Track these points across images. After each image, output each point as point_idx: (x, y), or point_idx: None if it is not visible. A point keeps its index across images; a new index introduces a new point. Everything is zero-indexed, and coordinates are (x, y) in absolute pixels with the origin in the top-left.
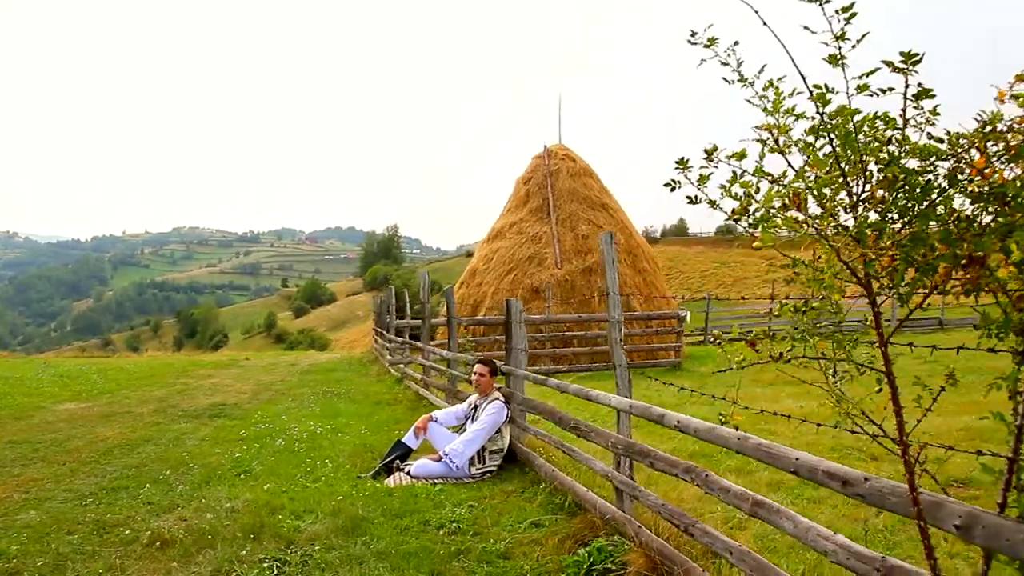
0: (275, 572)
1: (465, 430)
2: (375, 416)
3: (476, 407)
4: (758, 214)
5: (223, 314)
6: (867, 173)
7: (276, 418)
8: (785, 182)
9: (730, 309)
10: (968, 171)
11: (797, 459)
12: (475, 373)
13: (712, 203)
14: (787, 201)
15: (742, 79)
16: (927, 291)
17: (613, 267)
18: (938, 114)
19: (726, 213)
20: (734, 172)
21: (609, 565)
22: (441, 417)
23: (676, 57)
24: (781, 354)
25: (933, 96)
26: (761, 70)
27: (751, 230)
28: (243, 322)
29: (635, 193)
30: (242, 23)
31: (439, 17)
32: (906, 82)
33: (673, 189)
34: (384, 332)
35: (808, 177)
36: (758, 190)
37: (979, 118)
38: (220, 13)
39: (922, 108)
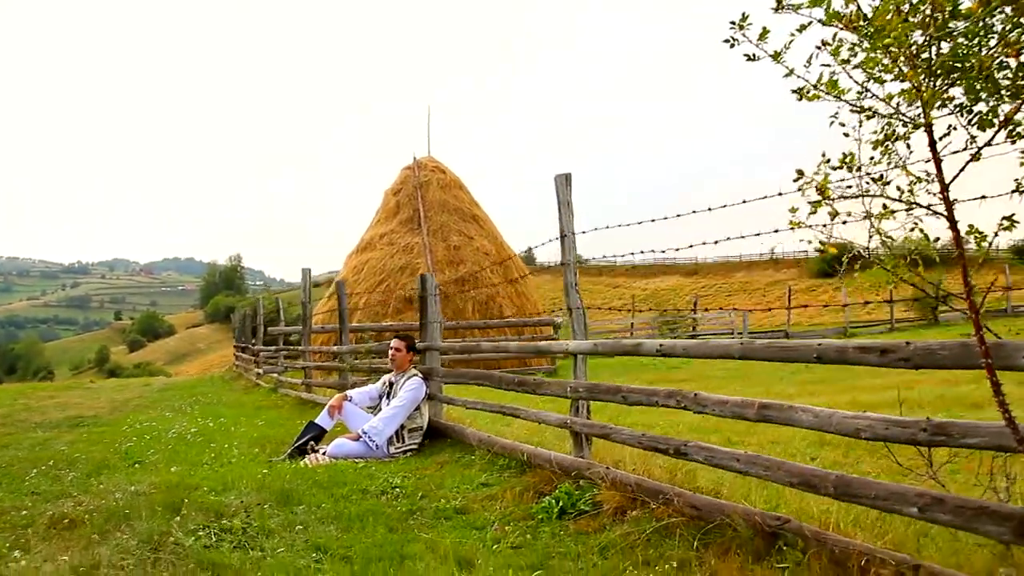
0: (215, 539)
1: (381, 409)
2: (263, 415)
3: (392, 384)
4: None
5: (49, 349)
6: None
7: (158, 418)
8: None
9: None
10: None
11: (819, 344)
12: (391, 348)
13: (776, 55)
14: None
15: None
16: (996, 128)
17: (568, 209)
18: None
19: (787, 68)
20: (802, 25)
21: (582, 507)
22: (355, 397)
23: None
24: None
25: None
26: None
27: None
28: (72, 357)
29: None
30: (72, 35)
31: (284, 38)
32: None
33: (732, 46)
34: (250, 346)
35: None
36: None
37: None
38: (48, 26)
39: None
